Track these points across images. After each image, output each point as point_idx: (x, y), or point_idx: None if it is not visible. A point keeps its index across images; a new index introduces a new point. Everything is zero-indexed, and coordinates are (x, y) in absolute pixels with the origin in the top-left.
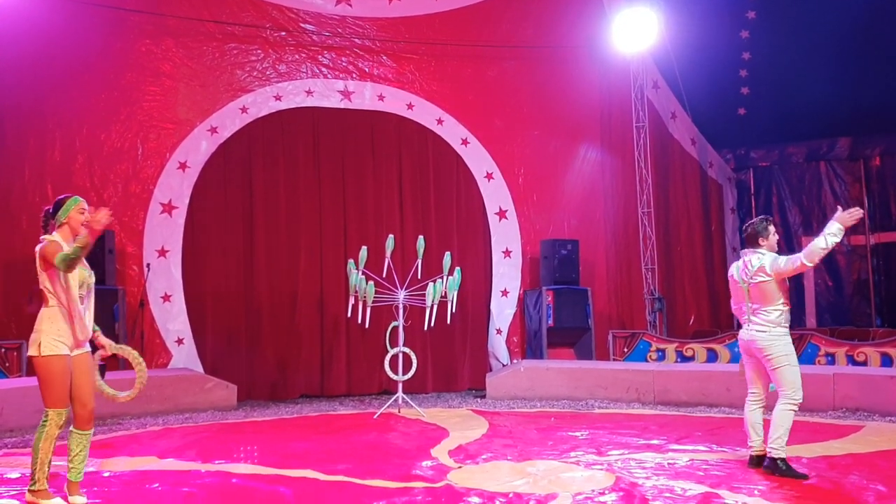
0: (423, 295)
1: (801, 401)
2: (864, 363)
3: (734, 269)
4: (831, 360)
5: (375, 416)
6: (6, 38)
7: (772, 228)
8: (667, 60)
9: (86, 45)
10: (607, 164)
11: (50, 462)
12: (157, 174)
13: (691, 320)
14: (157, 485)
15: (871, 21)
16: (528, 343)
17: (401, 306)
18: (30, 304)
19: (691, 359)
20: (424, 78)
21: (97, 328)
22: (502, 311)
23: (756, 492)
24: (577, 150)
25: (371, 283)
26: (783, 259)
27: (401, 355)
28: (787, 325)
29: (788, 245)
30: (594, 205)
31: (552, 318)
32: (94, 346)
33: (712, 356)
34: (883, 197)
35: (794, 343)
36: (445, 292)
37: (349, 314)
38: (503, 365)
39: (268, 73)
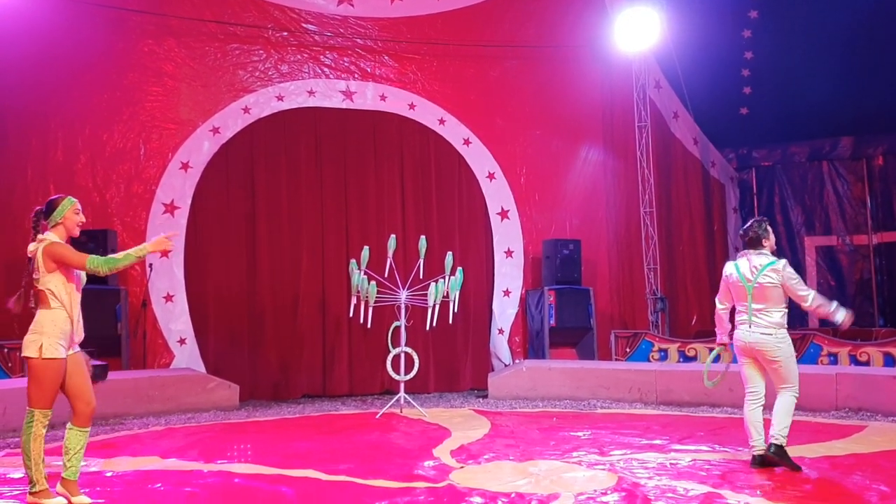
0: (425, 295)
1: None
2: (867, 363)
3: (735, 269)
4: (834, 359)
5: (377, 416)
6: (9, 39)
7: (770, 229)
8: (669, 60)
9: (88, 46)
10: (609, 163)
11: (44, 461)
12: (159, 174)
13: (693, 320)
14: (159, 485)
15: (873, 20)
16: (530, 343)
17: (403, 306)
18: (16, 302)
19: (694, 359)
20: (426, 78)
21: None
22: (504, 311)
23: (758, 492)
24: (579, 150)
25: (373, 283)
26: (798, 279)
27: (403, 355)
28: (786, 326)
29: (791, 245)
30: (596, 204)
31: (554, 317)
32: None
33: (715, 356)
34: (886, 196)
35: (796, 343)
36: (447, 292)
37: (351, 314)
38: (505, 365)
39: (270, 73)
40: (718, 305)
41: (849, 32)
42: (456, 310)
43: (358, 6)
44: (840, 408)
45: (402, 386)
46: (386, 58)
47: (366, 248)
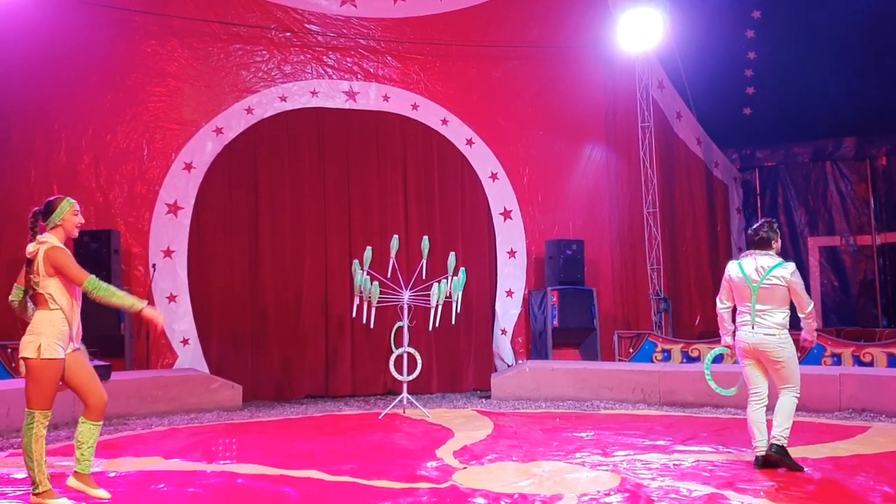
0: (428, 295)
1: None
2: (871, 364)
3: (739, 269)
4: (837, 360)
5: (380, 417)
6: (12, 39)
7: (779, 232)
8: (672, 60)
9: (91, 46)
10: (612, 164)
11: (46, 462)
12: (162, 175)
13: (697, 321)
14: (162, 485)
15: (876, 20)
16: (533, 343)
17: (405, 307)
18: (19, 306)
19: (697, 359)
20: (429, 78)
21: None
22: (507, 311)
23: (762, 493)
24: (582, 150)
25: (376, 283)
26: (803, 288)
27: (406, 356)
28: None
29: (794, 245)
30: (599, 205)
31: (557, 318)
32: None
33: (718, 357)
34: (889, 197)
35: (798, 343)
36: (450, 293)
37: (354, 314)
38: (508, 365)
39: (273, 73)
40: (719, 305)
41: (852, 32)
42: (459, 310)
43: (361, 7)
44: (843, 409)
45: (404, 386)
46: (389, 58)
47: (369, 248)
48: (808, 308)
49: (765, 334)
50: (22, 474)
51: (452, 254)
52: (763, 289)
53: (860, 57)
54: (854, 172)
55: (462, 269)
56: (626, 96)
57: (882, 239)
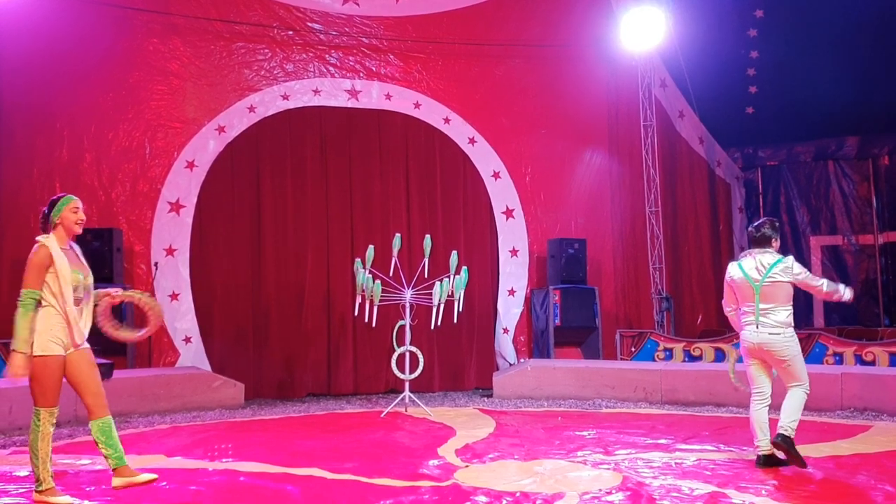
0: (430, 294)
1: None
2: (873, 363)
3: (739, 269)
4: (839, 359)
5: (382, 415)
6: (15, 38)
7: (779, 230)
8: (674, 59)
9: (93, 45)
10: (615, 162)
11: (51, 460)
12: (164, 173)
13: (699, 319)
14: (164, 483)
15: (879, 19)
16: (535, 342)
17: (407, 305)
18: None
19: (699, 358)
20: (431, 77)
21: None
22: (509, 310)
23: (763, 491)
24: (584, 149)
25: (378, 281)
26: (806, 272)
27: (407, 354)
28: (793, 325)
29: (796, 245)
30: (601, 204)
31: (559, 317)
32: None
33: (720, 355)
34: (891, 196)
35: (801, 343)
36: (452, 291)
37: (356, 313)
38: (510, 364)
39: (275, 72)
40: (726, 309)
41: (855, 31)
42: (461, 309)
43: (363, 5)
44: (845, 407)
45: (406, 385)
46: (391, 57)
47: (371, 246)
48: (825, 288)
49: (769, 333)
50: (25, 472)
51: (454, 252)
52: (765, 287)
53: (863, 56)
54: (856, 172)
55: (464, 267)
56: (628, 95)
57: (884, 238)
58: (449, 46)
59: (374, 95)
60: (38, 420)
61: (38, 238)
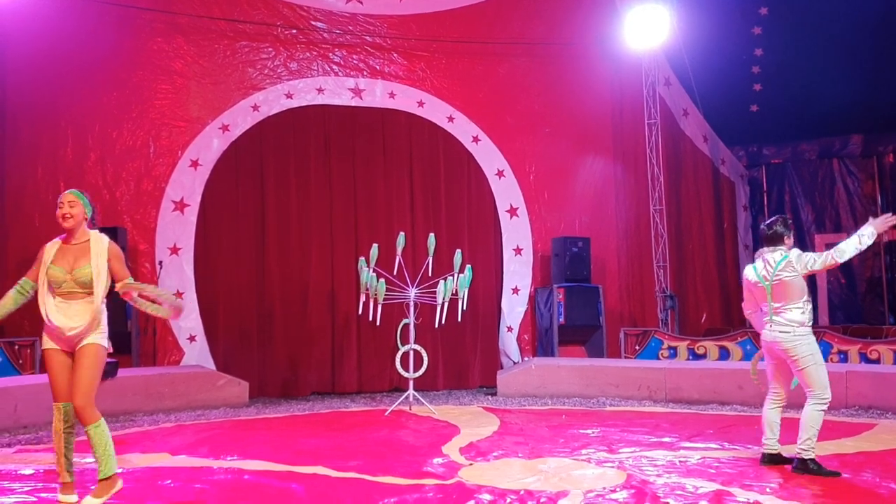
0: (434, 292)
1: (829, 399)
2: (877, 361)
3: (752, 271)
4: (844, 358)
5: (386, 414)
6: (19, 37)
7: (793, 228)
8: (679, 57)
9: (97, 44)
10: (619, 161)
11: (67, 455)
12: (169, 172)
13: (703, 318)
14: (169, 481)
15: (884, 18)
16: (539, 341)
17: (412, 304)
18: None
19: (703, 356)
20: (435, 75)
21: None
22: (513, 308)
23: (768, 489)
24: (588, 148)
25: (382, 280)
26: (811, 255)
27: (412, 353)
28: (811, 323)
29: (801, 243)
30: (605, 202)
31: (563, 315)
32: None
33: (724, 354)
34: None
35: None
36: (456, 290)
37: (360, 311)
38: (514, 363)
39: (279, 71)
40: (745, 312)
41: (859, 29)
42: (465, 307)
43: (367, 3)
44: (850, 406)
45: (411, 383)
46: (395, 55)
47: (375, 245)
48: (843, 256)
49: (780, 331)
50: (29, 470)
51: (458, 251)
52: (775, 285)
53: (868, 54)
54: (861, 170)
55: (468, 266)
56: (632, 93)
57: (889, 236)
58: (453, 45)
59: (378, 94)
60: (54, 415)
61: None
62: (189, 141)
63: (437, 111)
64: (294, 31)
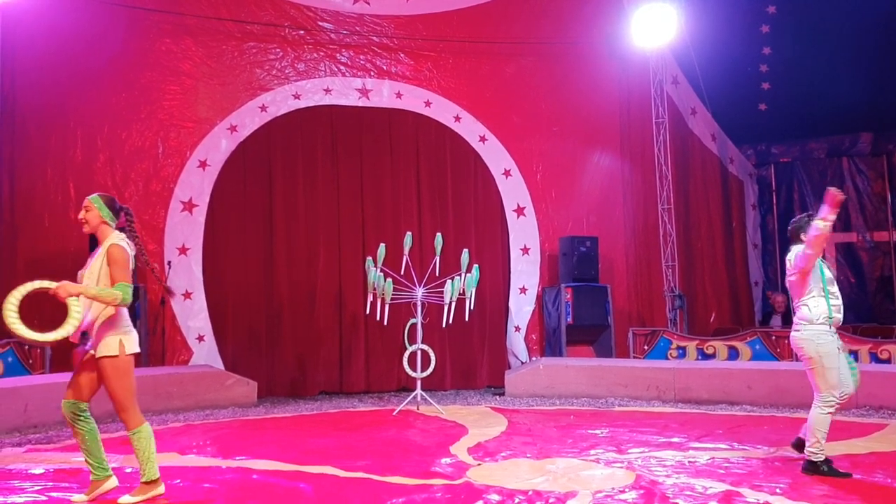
0: (442, 292)
1: (835, 401)
2: (888, 361)
3: None
4: (854, 357)
5: (394, 413)
6: (28, 38)
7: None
8: (686, 55)
9: (106, 45)
10: (626, 160)
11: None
12: (177, 173)
13: (712, 317)
14: (178, 481)
15: (893, 16)
16: (547, 340)
17: (419, 303)
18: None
19: (712, 356)
20: (442, 75)
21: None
22: (521, 308)
23: (778, 490)
24: (595, 147)
25: (389, 280)
26: (797, 256)
27: (419, 352)
28: (823, 320)
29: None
30: (613, 201)
31: (571, 315)
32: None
33: (733, 354)
34: None
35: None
36: (463, 289)
37: (368, 311)
38: (522, 362)
39: (286, 71)
40: None
41: (868, 27)
42: (472, 307)
43: (374, 4)
44: (861, 406)
45: (418, 383)
46: (402, 55)
47: (382, 245)
48: (805, 249)
49: (793, 329)
50: (40, 469)
51: (466, 250)
52: (789, 282)
53: (877, 52)
54: (871, 168)
55: (475, 265)
56: (640, 92)
57: None
58: (459, 45)
59: (385, 94)
60: None
61: None
62: (197, 141)
63: (443, 111)
64: (302, 31)
